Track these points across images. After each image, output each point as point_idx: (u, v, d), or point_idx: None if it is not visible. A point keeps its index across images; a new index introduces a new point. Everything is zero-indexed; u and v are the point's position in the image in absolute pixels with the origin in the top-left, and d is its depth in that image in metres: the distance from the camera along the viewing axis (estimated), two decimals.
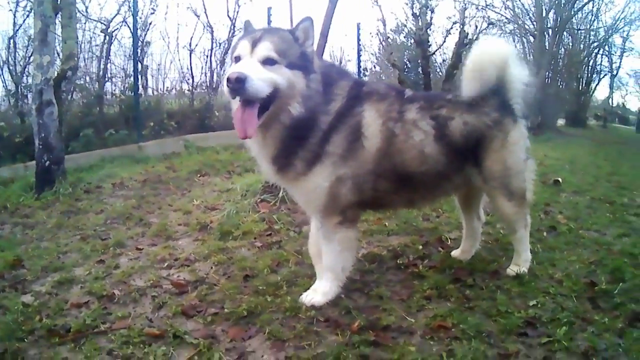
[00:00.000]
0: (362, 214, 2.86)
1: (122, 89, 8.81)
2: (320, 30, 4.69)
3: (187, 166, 6.55)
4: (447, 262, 2.99)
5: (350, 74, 2.71)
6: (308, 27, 2.27)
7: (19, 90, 8.24)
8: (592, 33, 17.49)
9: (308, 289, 2.53)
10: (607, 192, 5.17)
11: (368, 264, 3.03)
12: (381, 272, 2.91)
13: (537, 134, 11.56)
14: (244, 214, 4.09)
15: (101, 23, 8.76)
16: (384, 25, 9.08)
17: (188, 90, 9.81)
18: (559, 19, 13.51)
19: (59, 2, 5.08)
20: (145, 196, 4.94)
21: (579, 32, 16.31)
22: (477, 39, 8.59)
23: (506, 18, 15.06)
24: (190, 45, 9.75)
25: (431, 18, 8.90)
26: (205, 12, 9.83)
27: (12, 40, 8.47)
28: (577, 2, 14.11)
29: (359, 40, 10.89)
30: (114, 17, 8.89)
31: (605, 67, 23.65)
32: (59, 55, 5.91)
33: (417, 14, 8.78)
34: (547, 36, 13.58)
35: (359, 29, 10.78)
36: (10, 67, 8.37)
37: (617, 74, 25.97)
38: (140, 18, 8.80)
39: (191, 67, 9.81)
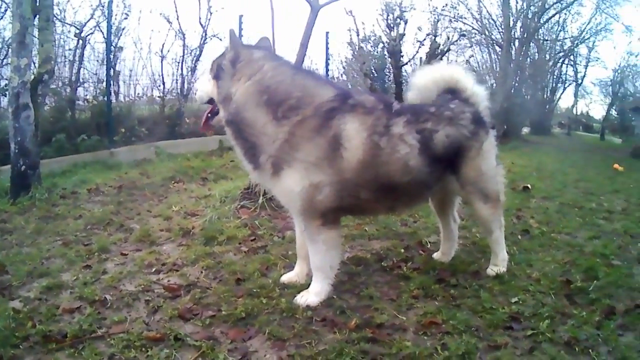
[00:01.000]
0: (343, 217, 2.94)
1: (95, 94, 8.66)
2: (300, 40, 4.79)
3: (160, 173, 6.51)
4: (430, 264, 3.12)
5: (333, 87, 2.69)
6: (230, 39, 2.58)
7: None
8: (558, 43, 18.20)
9: (300, 291, 2.60)
10: (576, 198, 5.45)
11: (354, 266, 3.13)
12: (368, 274, 3.00)
13: (503, 143, 11.93)
14: (226, 220, 4.12)
15: (74, 27, 8.59)
16: (357, 34, 9.25)
17: (159, 96, 9.74)
18: (526, 30, 14.06)
19: (37, 4, 4.99)
20: (122, 202, 4.90)
21: (545, 42, 16.96)
22: (448, 50, 8.88)
23: (473, 28, 15.55)
24: (161, 52, 9.70)
25: (404, 29, 9.15)
26: (177, 19, 9.81)
27: None
28: (545, 13, 14.69)
29: (327, 48, 11.04)
30: (88, 21, 8.76)
31: (571, 77, 24.63)
32: (34, 58, 5.78)
33: (392, 25, 9.00)
34: (513, 47, 14.09)
35: (327, 37, 10.92)
36: None
37: (581, 83, 27.09)
38: (114, 23, 8.69)
39: (162, 74, 9.77)
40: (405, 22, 8.84)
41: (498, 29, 15.16)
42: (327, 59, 11.17)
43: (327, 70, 11.16)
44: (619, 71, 28.80)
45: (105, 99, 8.30)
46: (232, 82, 2.53)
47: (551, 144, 16.87)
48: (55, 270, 3.02)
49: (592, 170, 8.65)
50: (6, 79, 6.36)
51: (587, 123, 33.29)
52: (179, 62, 9.88)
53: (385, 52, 9.93)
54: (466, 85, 2.85)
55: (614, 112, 32.19)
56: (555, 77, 20.08)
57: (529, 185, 5.86)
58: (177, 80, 9.92)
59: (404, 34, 9.17)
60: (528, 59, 16.04)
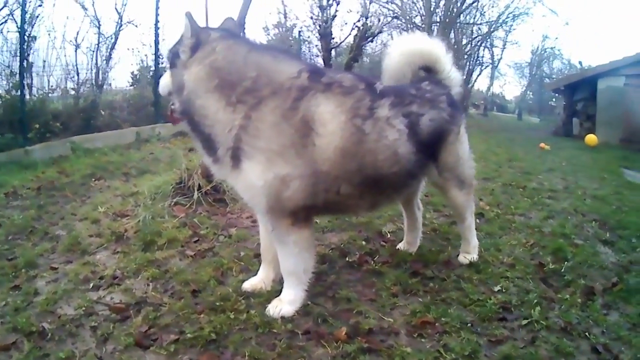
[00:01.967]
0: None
1: (8, 88, 7.68)
2: (237, 19, 4.42)
3: (79, 170, 5.94)
4: (398, 256, 2.97)
5: (296, 61, 2.39)
6: (185, 25, 2.17)
7: None
8: (475, 28, 18.86)
9: (269, 299, 2.32)
10: (515, 178, 5.62)
11: (318, 264, 2.85)
12: (335, 272, 2.78)
13: None
14: (161, 220, 3.68)
15: None
16: (285, 17, 8.99)
17: (72, 88, 8.89)
18: (447, 15, 14.40)
19: None
20: (43, 206, 4.27)
21: (465, 26, 17.50)
22: (380, 32, 8.84)
23: (393, 12, 15.62)
24: (76, 40, 8.84)
25: (336, 11, 8.96)
26: (93, 5, 8.99)
27: None
28: None
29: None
30: (1, 9, 7.68)
31: (488, 60, 25.81)
32: None
33: (324, 5, 8.78)
34: (434, 31, 14.37)
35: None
36: None
37: (497, 65, 28.55)
38: (27, 11, 7.72)
39: (76, 64, 8.92)
40: (338, 3, 8.66)
41: (419, 13, 15.44)
42: None
43: None
44: (537, 54, 30.81)
45: (18, 93, 7.41)
46: (185, 70, 2.17)
47: (470, 125, 17.55)
48: None
49: (520, 150, 9.05)
50: None
51: (501, 104, 35.45)
52: (93, 51, 9.08)
53: (317, 35, 9.72)
54: (444, 66, 2.67)
55: (530, 93, 34.69)
56: (472, 60, 20.91)
57: None
58: (91, 70, 9.16)
59: (335, 16, 9.01)
60: (448, 43, 16.55)
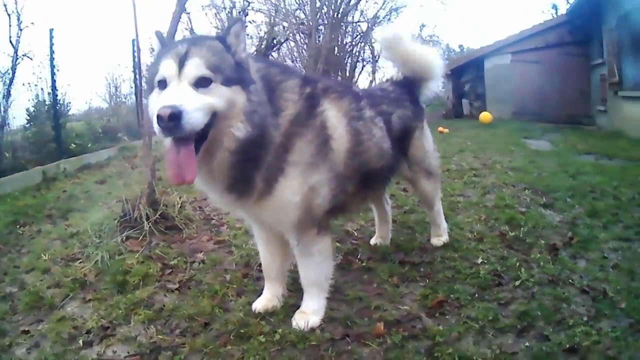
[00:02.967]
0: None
1: None
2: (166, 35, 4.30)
3: None
4: (378, 251, 3.15)
5: (295, 71, 2.55)
6: (239, 30, 1.96)
7: None
8: (355, 26, 19.87)
9: (286, 315, 2.38)
10: None
11: None
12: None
13: None
14: (120, 258, 3.45)
15: None
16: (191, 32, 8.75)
17: None
18: (334, 15, 14.91)
19: None
20: None
21: (348, 25, 18.34)
22: (287, 39, 9.00)
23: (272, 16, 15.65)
24: None
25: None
26: None
27: None
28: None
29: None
30: None
31: (368, 56, 27.29)
32: None
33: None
34: (321, 32, 14.76)
35: (134, 44, 9.96)
36: None
37: (378, 59, 30.19)
38: None
39: None
40: (246, 15, 8.69)
41: (305, 14, 15.71)
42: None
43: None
44: None
45: None
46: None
47: None
48: None
49: None
50: None
51: None
52: None
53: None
54: (433, 75, 2.96)
55: None
56: (354, 56, 22.07)
57: None
58: None
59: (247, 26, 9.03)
60: (334, 43, 17.24)
